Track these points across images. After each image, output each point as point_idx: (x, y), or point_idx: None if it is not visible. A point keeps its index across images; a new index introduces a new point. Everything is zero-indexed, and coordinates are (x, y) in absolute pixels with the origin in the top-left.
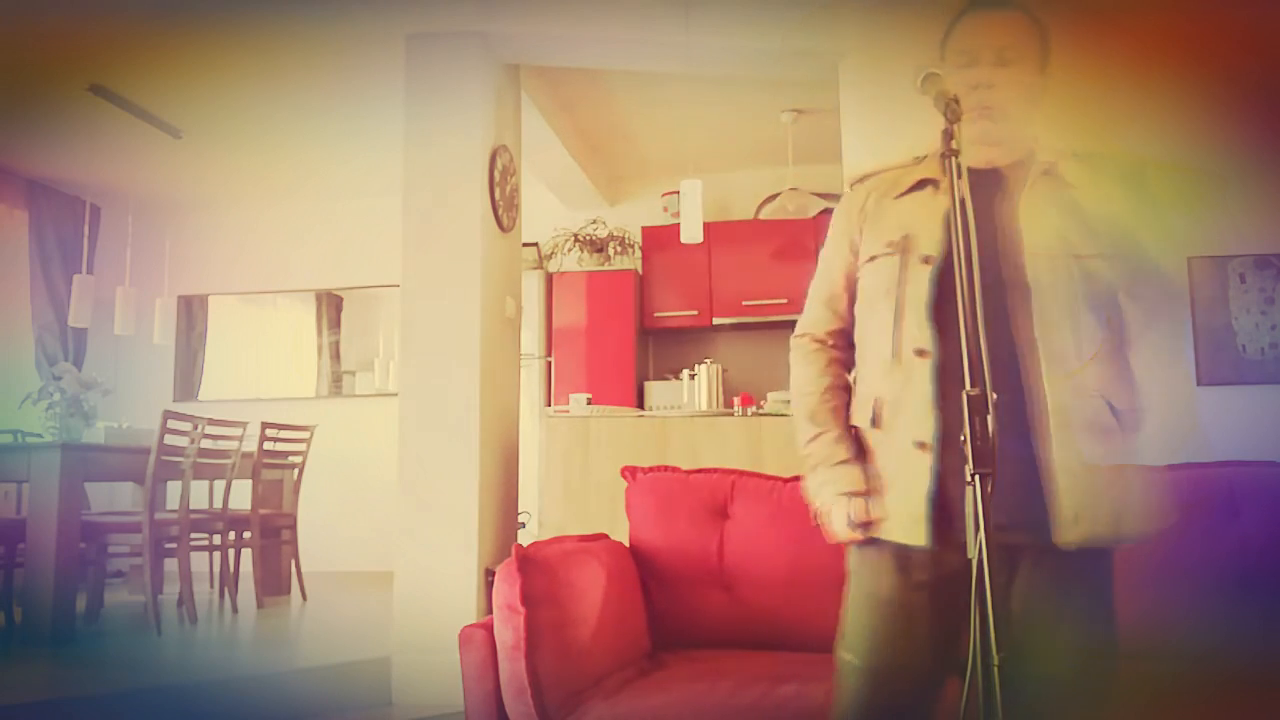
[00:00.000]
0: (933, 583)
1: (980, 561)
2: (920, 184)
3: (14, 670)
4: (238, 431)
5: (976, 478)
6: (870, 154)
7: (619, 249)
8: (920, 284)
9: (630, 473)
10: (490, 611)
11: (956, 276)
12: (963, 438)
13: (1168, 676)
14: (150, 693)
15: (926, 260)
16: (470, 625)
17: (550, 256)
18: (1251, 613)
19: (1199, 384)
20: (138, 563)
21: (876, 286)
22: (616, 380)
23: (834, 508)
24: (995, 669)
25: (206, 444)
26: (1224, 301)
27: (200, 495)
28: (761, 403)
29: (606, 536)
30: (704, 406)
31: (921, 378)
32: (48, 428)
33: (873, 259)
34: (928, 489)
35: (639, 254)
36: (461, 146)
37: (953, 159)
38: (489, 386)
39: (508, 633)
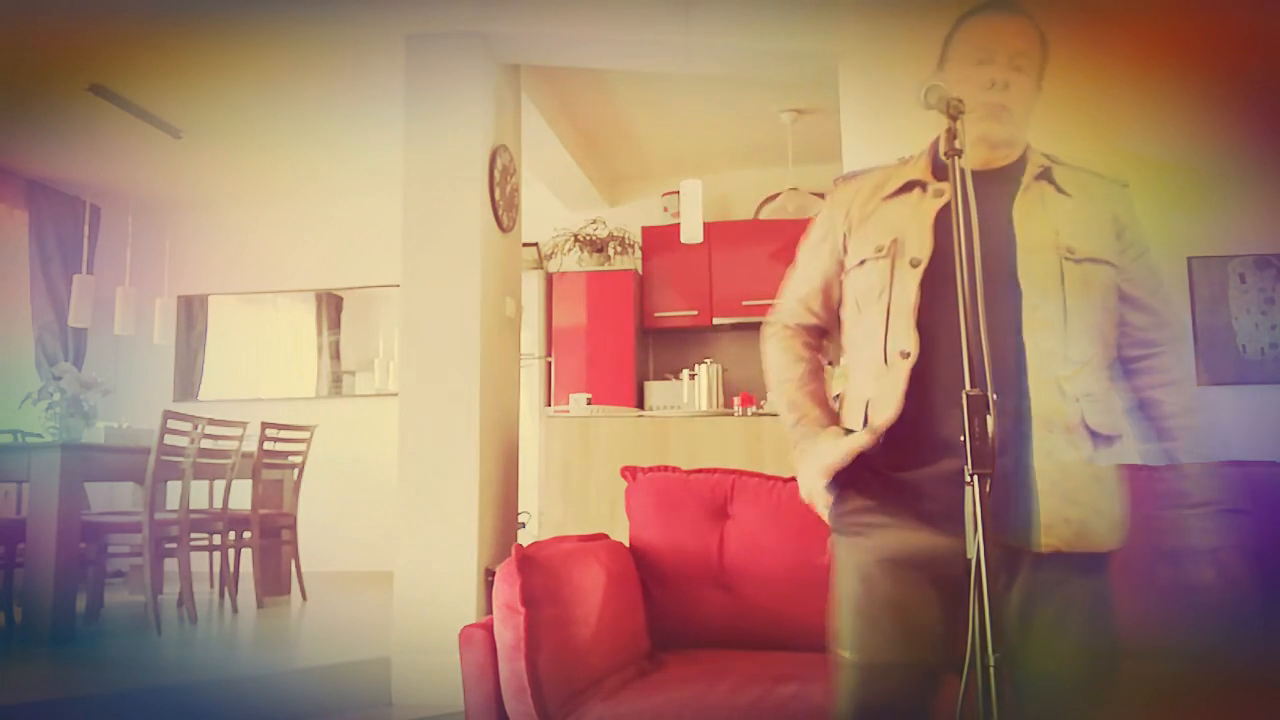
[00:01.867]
0: (923, 573)
1: (978, 561)
2: (908, 186)
3: (14, 670)
4: (238, 431)
5: (976, 478)
6: (870, 154)
7: (619, 249)
8: (908, 287)
9: (630, 473)
10: (490, 611)
11: (958, 277)
12: (962, 438)
13: (1168, 676)
14: (150, 693)
15: (915, 264)
16: (470, 625)
17: (550, 256)
18: (1251, 613)
19: (1199, 384)
20: (138, 563)
21: (867, 291)
22: (616, 380)
23: (817, 481)
24: (992, 669)
25: (206, 444)
26: (1224, 301)
27: (200, 495)
28: (761, 403)
29: (606, 536)
30: (704, 406)
31: (899, 375)
32: (48, 428)
33: (862, 263)
34: (852, 448)
35: (639, 254)
36: (461, 146)
37: (955, 158)
38: (489, 386)
39: (508, 633)
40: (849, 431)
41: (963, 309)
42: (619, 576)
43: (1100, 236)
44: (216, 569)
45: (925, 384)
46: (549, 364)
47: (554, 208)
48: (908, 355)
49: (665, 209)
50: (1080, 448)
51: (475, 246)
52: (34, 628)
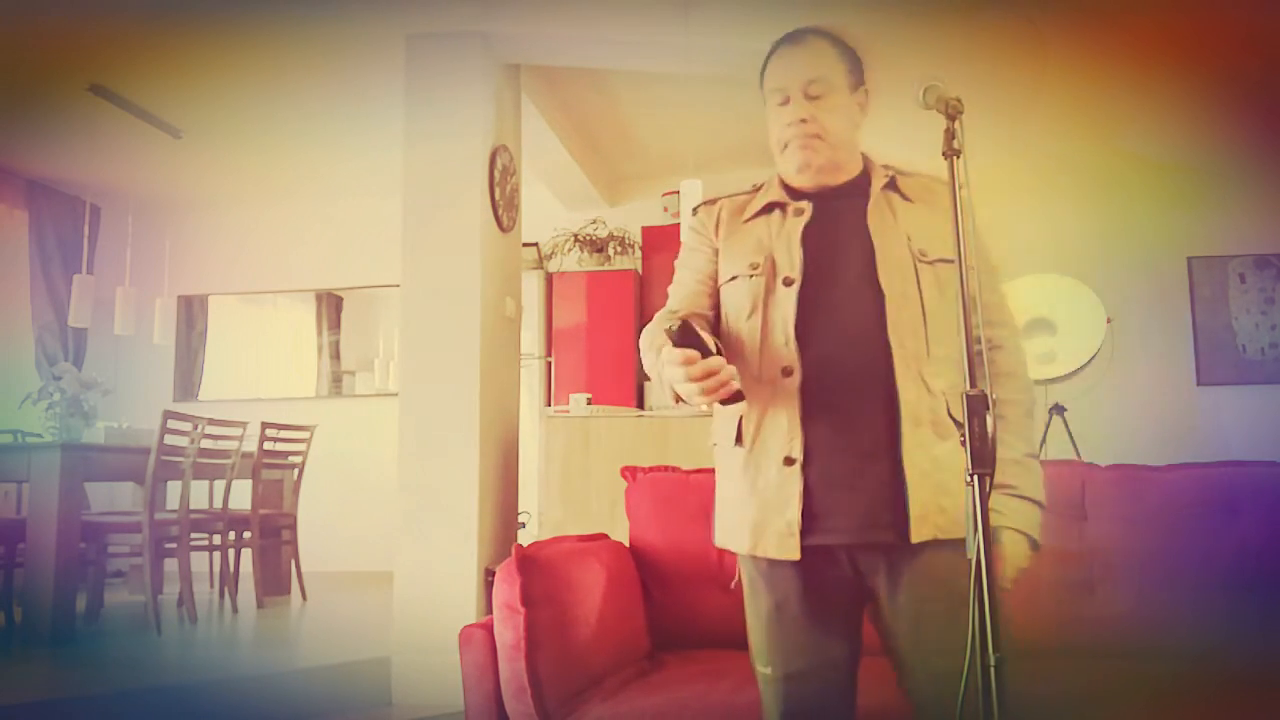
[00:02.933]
0: (825, 583)
1: (978, 561)
2: (768, 208)
3: (14, 670)
4: (238, 431)
5: (975, 478)
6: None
7: (619, 249)
8: (785, 305)
9: (630, 473)
10: (490, 611)
11: (959, 276)
12: (962, 438)
13: (1168, 676)
14: (150, 693)
15: (788, 282)
16: (470, 625)
17: (550, 256)
18: (1251, 613)
19: (1199, 384)
20: (138, 563)
21: (739, 306)
22: (616, 380)
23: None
24: (993, 668)
25: (206, 444)
26: (1224, 301)
27: (200, 495)
28: None
29: (606, 536)
30: (704, 407)
31: (788, 395)
32: (48, 428)
33: (734, 279)
34: (797, 504)
35: (639, 254)
36: (461, 146)
37: (954, 158)
38: (489, 386)
39: (508, 633)
40: (715, 446)
41: (962, 308)
42: (619, 576)
43: (947, 238)
44: (216, 569)
45: (806, 402)
46: (549, 364)
47: (554, 208)
48: (790, 372)
49: (665, 209)
50: (947, 439)
51: (475, 246)
52: (34, 628)
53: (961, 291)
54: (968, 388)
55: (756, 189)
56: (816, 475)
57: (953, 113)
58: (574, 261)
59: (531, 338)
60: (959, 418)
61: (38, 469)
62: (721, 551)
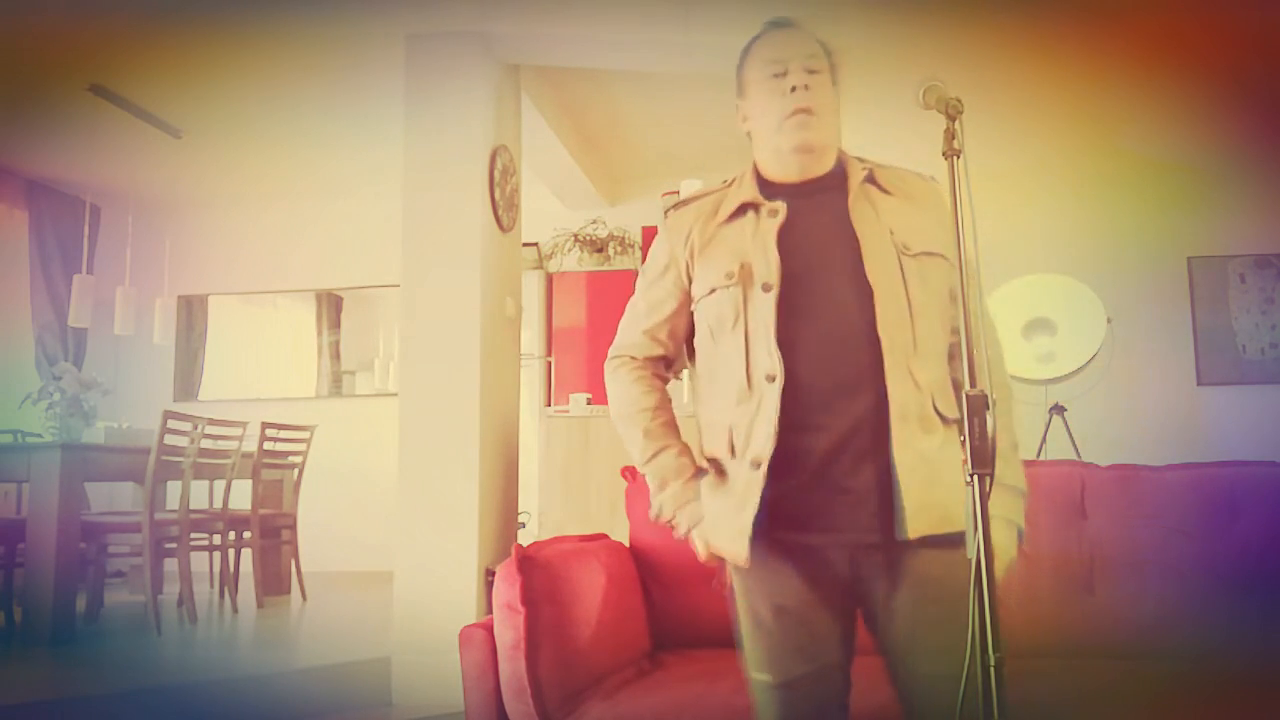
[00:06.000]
0: (817, 586)
1: (978, 561)
2: (742, 209)
3: (14, 670)
4: (238, 431)
5: (975, 478)
6: (870, 154)
7: (619, 249)
8: (765, 312)
9: (630, 473)
10: (490, 611)
11: (959, 275)
12: (962, 438)
13: (1168, 676)
14: (150, 693)
15: (766, 288)
16: (470, 625)
17: (550, 256)
18: (1251, 613)
19: (1199, 384)
20: (138, 563)
21: (721, 318)
22: None
23: (707, 526)
24: (992, 668)
25: (206, 444)
26: (1224, 301)
27: (200, 495)
28: None
29: (606, 536)
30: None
31: (771, 401)
32: (48, 428)
33: (712, 291)
34: (754, 507)
35: (639, 254)
36: (461, 146)
37: (955, 158)
38: (489, 386)
39: (508, 633)
40: (711, 460)
41: (962, 308)
42: (619, 576)
43: (927, 230)
44: (216, 569)
45: (791, 401)
46: (549, 364)
47: (554, 208)
48: (774, 379)
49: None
50: (933, 433)
51: (475, 246)
52: (34, 628)
53: (962, 291)
54: (968, 387)
55: (728, 184)
56: (804, 477)
57: (953, 113)
58: (574, 261)
59: (531, 338)
60: (944, 412)
61: (38, 469)
62: None
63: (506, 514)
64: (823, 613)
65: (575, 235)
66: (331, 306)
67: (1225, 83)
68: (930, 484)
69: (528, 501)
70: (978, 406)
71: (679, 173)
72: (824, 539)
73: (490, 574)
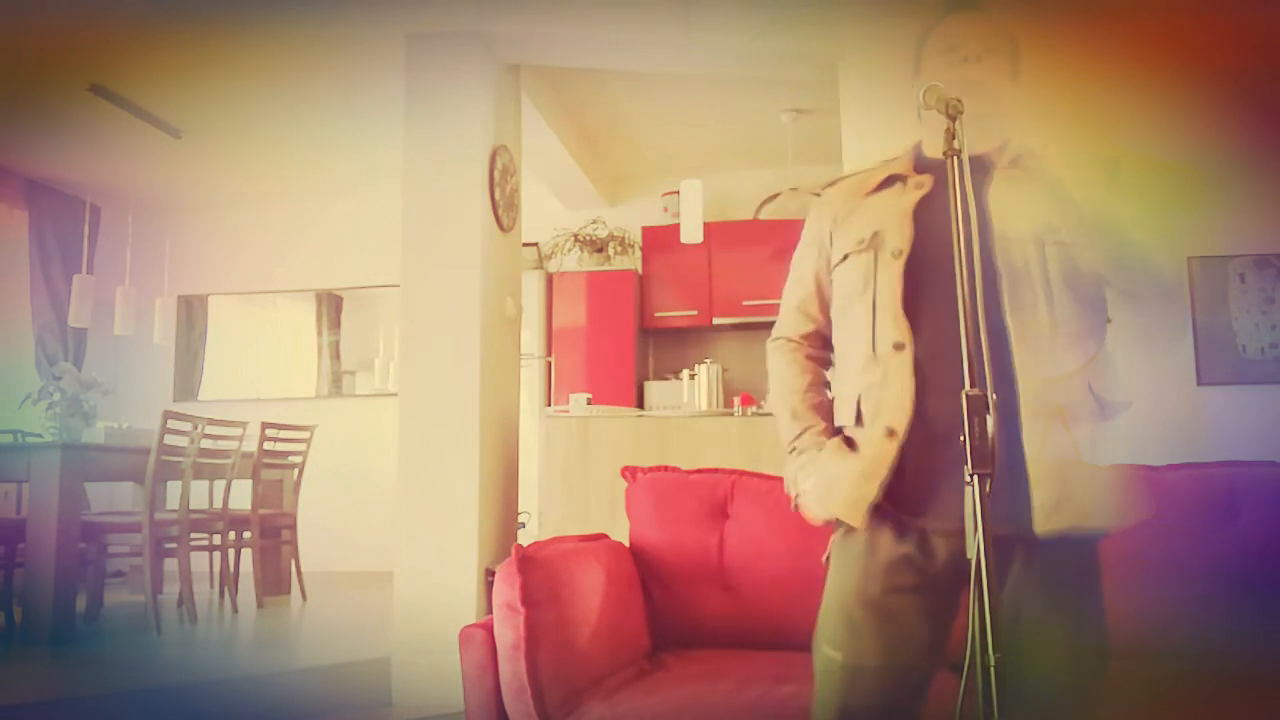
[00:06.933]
0: (919, 575)
1: (978, 560)
2: (888, 181)
3: (14, 670)
4: (238, 431)
5: (975, 478)
6: (870, 154)
7: (619, 249)
8: (892, 278)
9: (630, 473)
10: (490, 611)
11: (957, 272)
12: (962, 437)
13: (1168, 676)
14: (150, 693)
15: (897, 255)
16: (470, 625)
17: (550, 256)
18: (1251, 613)
19: (1199, 384)
20: (138, 563)
21: (852, 285)
22: (616, 380)
23: (824, 486)
24: (992, 668)
25: (206, 444)
26: (1224, 301)
27: (200, 495)
28: (761, 403)
29: (606, 536)
30: (704, 406)
31: (900, 370)
32: (48, 428)
33: (846, 258)
34: (885, 474)
35: (639, 254)
36: (461, 146)
37: (954, 158)
38: (489, 386)
39: (508, 633)
40: (839, 429)
41: (962, 308)
42: (619, 576)
43: (1082, 213)
44: (216, 569)
45: (920, 377)
46: (549, 364)
47: (554, 208)
48: (901, 347)
49: (665, 209)
50: (1070, 428)
51: (475, 246)
52: (34, 628)
53: (961, 290)
54: (967, 387)
55: (886, 162)
56: (926, 457)
57: (953, 113)
58: (574, 261)
59: (531, 338)
60: (1101, 393)
61: (38, 469)
62: (722, 551)
63: (506, 514)
64: (915, 607)
65: (575, 235)
66: (331, 306)
67: (1225, 83)
68: (1068, 479)
69: (528, 501)
70: (978, 406)
71: (679, 173)
72: (936, 524)
73: (490, 574)
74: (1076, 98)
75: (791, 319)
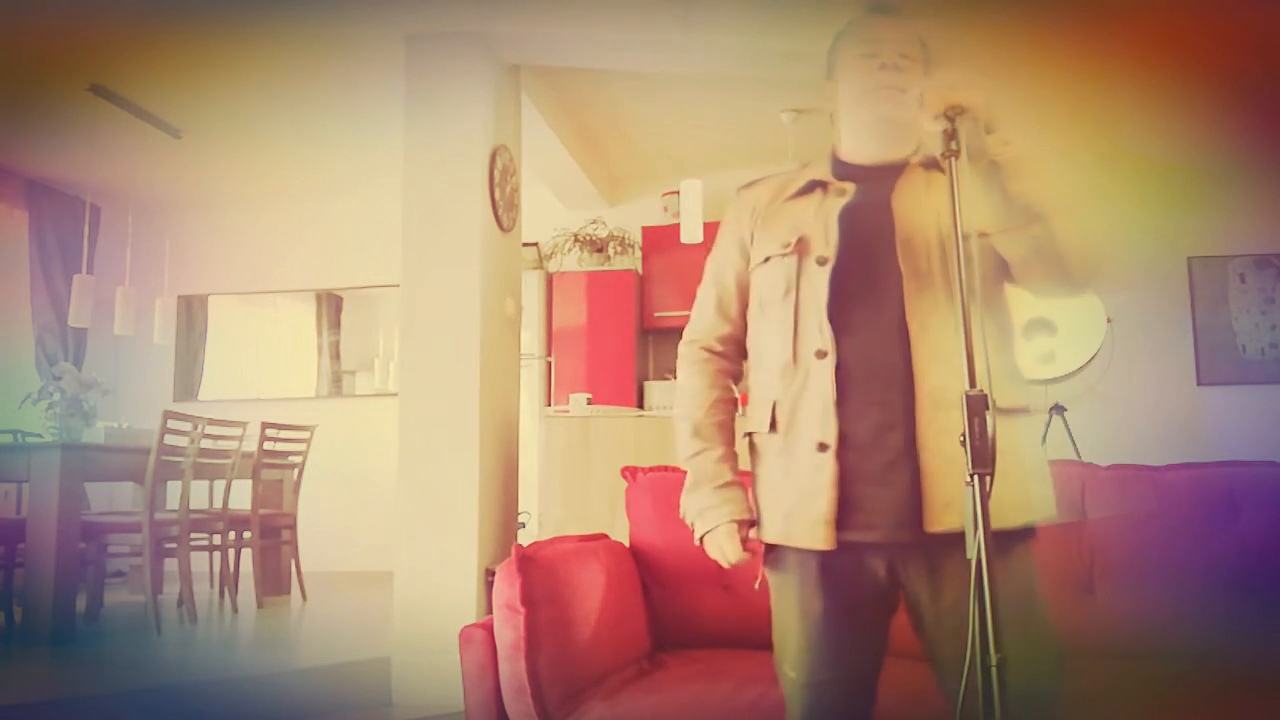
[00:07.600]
0: (855, 587)
1: (978, 560)
2: (810, 186)
3: (14, 670)
4: (238, 431)
5: (975, 478)
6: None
7: (619, 249)
8: (818, 285)
9: (630, 473)
10: (490, 611)
11: (956, 271)
12: (961, 437)
13: (1168, 676)
14: (150, 693)
15: (822, 261)
16: (470, 625)
17: (550, 256)
18: (1251, 613)
19: (1199, 384)
20: (138, 563)
21: (772, 287)
22: (616, 380)
23: (721, 533)
24: (993, 668)
25: (206, 444)
26: (1224, 301)
27: (200, 495)
28: None
29: (606, 536)
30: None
31: (821, 379)
32: (48, 428)
33: (767, 260)
34: (830, 491)
35: (639, 254)
36: (461, 146)
37: (954, 159)
38: (489, 386)
39: (508, 633)
40: (747, 436)
41: (961, 308)
42: (619, 576)
43: (983, 211)
44: (216, 569)
45: (842, 385)
46: (549, 364)
47: (554, 208)
48: (824, 355)
49: (665, 209)
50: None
51: (475, 246)
52: (34, 628)
53: (961, 291)
54: (967, 387)
55: (803, 167)
56: (850, 466)
57: (951, 114)
58: (574, 261)
59: (531, 338)
60: (1000, 403)
61: (38, 469)
62: None
63: (506, 514)
64: (857, 615)
65: (575, 235)
66: (331, 306)
67: (1225, 83)
68: (956, 478)
69: (528, 501)
70: (978, 406)
71: (679, 173)
72: (863, 535)
73: (490, 574)
74: (1076, 97)
75: (708, 320)
